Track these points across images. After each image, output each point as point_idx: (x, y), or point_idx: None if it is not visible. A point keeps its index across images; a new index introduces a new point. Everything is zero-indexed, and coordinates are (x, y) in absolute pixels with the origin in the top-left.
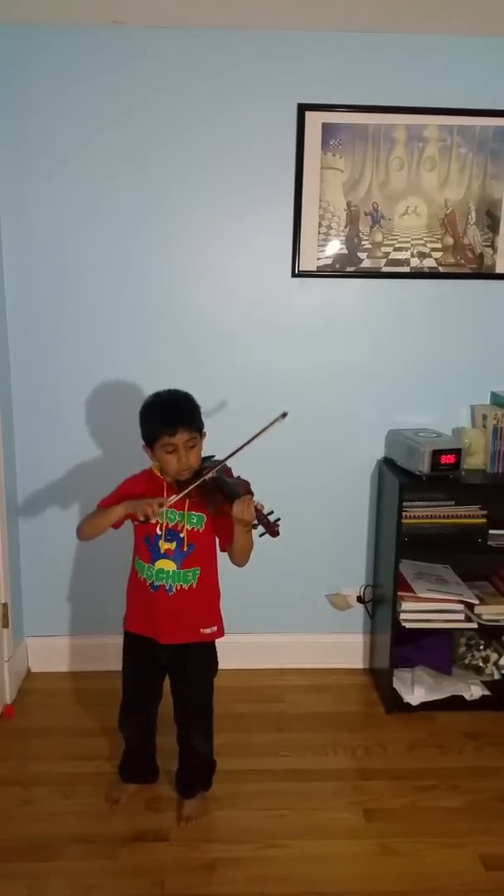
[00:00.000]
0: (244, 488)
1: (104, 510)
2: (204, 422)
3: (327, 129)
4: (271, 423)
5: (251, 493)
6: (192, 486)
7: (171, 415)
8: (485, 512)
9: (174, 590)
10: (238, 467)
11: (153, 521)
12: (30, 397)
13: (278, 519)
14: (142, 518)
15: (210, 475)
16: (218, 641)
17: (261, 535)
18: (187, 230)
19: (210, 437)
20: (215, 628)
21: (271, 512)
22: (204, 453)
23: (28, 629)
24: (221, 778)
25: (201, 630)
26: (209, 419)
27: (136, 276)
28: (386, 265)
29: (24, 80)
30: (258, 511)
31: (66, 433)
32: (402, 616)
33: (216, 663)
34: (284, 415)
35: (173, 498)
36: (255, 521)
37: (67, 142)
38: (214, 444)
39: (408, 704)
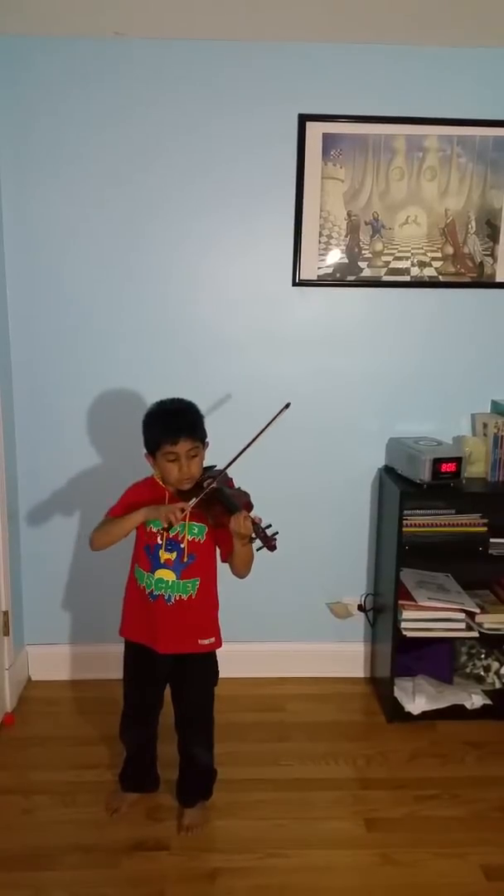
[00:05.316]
0: (243, 500)
1: (120, 518)
2: (207, 432)
3: (328, 140)
4: (276, 416)
5: (251, 506)
6: (204, 493)
7: (173, 423)
8: (486, 520)
9: (173, 600)
10: (239, 475)
11: (177, 529)
12: (31, 405)
13: (276, 533)
14: (166, 525)
15: (212, 485)
16: (218, 650)
17: (258, 549)
18: (188, 239)
19: (210, 444)
20: (213, 639)
21: (269, 525)
22: (205, 462)
23: (28, 637)
24: (222, 787)
25: (199, 641)
26: (209, 427)
27: (137, 285)
28: (386, 274)
29: (27, 91)
30: (255, 525)
31: (68, 441)
32: (403, 625)
33: (217, 673)
34: (287, 405)
35: (193, 500)
36: (253, 535)
37: (69, 151)
38: (213, 451)
39: (409, 714)
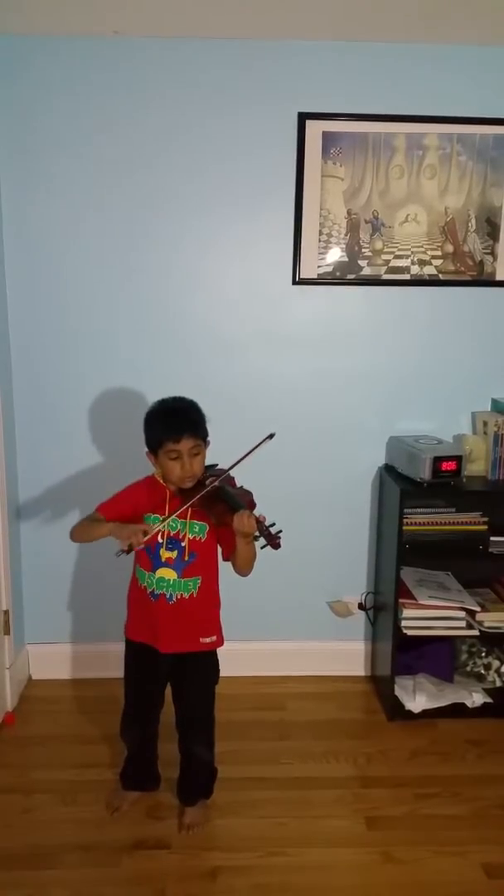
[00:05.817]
0: (246, 499)
1: (95, 523)
2: (208, 430)
3: (327, 138)
4: (258, 445)
5: (253, 504)
6: (191, 500)
7: (176, 422)
8: (486, 519)
9: (174, 599)
10: (240, 474)
11: (136, 549)
12: (31, 404)
13: (280, 531)
14: (125, 549)
15: (213, 485)
16: (219, 648)
17: (262, 548)
18: (188, 238)
19: (210, 444)
20: (214, 638)
21: (273, 524)
22: (206, 462)
23: (29, 636)
24: (223, 785)
25: (200, 639)
26: (209, 427)
27: (137, 284)
28: (386, 273)
29: (26, 90)
30: (259, 523)
31: (68, 440)
32: (404, 623)
33: (217, 671)
34: (271, 436)
35: (157, 526)
36: (257, 533)
37: (68, 150)
38: (213, 451)
39: (409, 712)
